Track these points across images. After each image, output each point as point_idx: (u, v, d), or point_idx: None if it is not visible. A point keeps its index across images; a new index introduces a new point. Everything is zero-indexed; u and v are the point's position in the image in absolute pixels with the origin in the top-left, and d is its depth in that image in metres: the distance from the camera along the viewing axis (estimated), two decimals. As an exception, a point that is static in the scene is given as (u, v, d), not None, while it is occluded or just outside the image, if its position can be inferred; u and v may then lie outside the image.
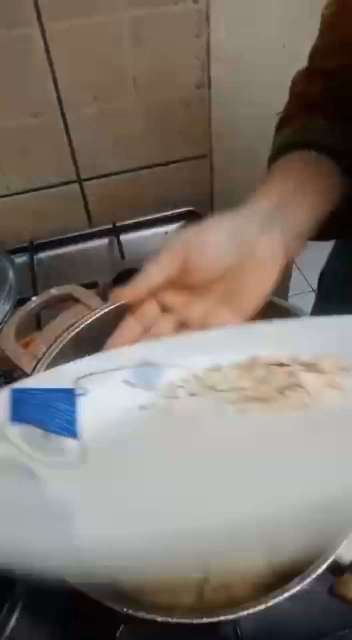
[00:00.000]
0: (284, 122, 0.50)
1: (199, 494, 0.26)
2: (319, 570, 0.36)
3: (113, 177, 0.95)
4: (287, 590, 0.35)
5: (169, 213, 0.95)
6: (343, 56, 0.47)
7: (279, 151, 0.46)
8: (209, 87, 0.89)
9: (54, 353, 0.51)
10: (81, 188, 0.95)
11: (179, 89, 0.87)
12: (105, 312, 0.53)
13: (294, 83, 0.52)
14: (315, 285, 0.81)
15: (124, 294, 0.38)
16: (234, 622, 0.45)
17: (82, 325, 0.53)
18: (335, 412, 0.31)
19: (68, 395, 0.33)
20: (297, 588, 0.36)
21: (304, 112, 0.48)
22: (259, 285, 0.40)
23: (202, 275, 0.39)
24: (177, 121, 0.91)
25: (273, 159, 0.46)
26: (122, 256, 0.88)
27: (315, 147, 0.44)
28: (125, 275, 0.81)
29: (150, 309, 0.39)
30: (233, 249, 0.38)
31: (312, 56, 0.54)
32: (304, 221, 0.41)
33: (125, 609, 0.36)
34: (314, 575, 0.36)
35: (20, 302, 0.73)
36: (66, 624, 0.46)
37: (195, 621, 0.36)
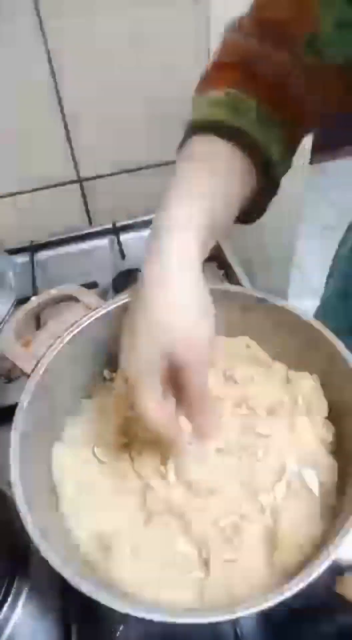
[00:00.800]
0: (206, 83, 0.49)
1: None
2: (319, 570, 0.36)
3: (113, 177, 0.95)
4: (287, 590, 0.35)
5: (169, 213, 0.95)
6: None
7: (198, 129, 0.47)
8: (209, 87, 0.89)
9: (54, 353, 0.51)
10: (81, 188, 0.95)
11: (179, 88, 0.87)
12: (105, 312, 0.53)
13: (229, 31, 0.49)
14: (315, 285, 0.81)
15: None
16: (234, 622, 0.45)
17: (82, 325, 0.53)
18: None
19: None
20: (297, 588, 0.36)
21: (232, 75, 0.46)
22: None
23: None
24: (177, 121, 0.91)
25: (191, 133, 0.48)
26: (122, 256, 0.89)
27: (241, 138, 0.44)
28: (125, 275, 0.81)
29: None
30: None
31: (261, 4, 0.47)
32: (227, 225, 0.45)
33: (125, 609, 0.36)
34: (314, 575, 0.36)
35: (20, 302, 0.73)
36: (66, 624, 0.47)
37: (195, 621, 0.36)
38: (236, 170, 0.45)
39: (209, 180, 0.43)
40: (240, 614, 0.35)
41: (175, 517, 0.45)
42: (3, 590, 0.49)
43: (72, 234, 0.94)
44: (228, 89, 0.46)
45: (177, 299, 0.40)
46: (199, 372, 0.41)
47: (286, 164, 0.49)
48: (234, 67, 0.47)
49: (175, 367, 0.39)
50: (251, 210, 0.51)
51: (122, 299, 0.53)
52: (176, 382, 0.41)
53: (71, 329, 0.53)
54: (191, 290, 0.41)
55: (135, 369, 0.40)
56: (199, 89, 0.50)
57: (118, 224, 0.93)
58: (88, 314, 0.53)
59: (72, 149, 0.89)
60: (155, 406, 0.40)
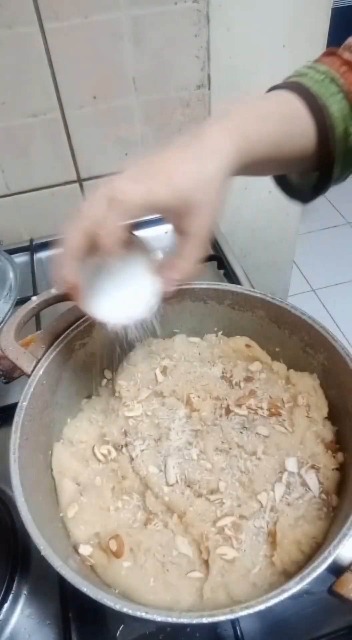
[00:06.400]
0: (329, 54, 0.51)
1: None
2: (319, 570, 0.36)
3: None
4: (287, 590, 0.35)
5: (169, 213, 0.95)
6: None
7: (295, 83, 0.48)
8: (209, 87, 0.89)
9: (54, 353, 0.51)
10: (81, 188, 0.95)
11: (179, 88, 0.87)
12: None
13: None
14: (315, 286, 0.81)
15: None
16: (234, 622, 0.45)
17: (82, 325, 0.53)
18: None
19: None
20: (297, 588, 0.35)
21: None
22: None
23: None
24: (177, 121, 0.91)
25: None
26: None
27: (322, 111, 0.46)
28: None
29: None
30: None
31: None
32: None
33: (125, 609, 0.36)
34: (314, 575, 0.36)
35: (20, 302, 0.73)
36: (66, 624, 0.47)
37: (195, 621, 0.36)
38: (293, 112, 0.47)
39: (257, 106, 0.46)
40: (240, 613, 0.35)
41: (175, 517, 0.45)
42: (3, 590, 0.49)
43: (72, 234, 0.94)
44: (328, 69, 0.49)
45: (187, 162, 0.40)
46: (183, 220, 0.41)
47: (349, 148, 0.49)
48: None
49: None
50: (309, 183, 0.53)
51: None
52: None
53: (71, 328, 0.53)
54: (209, 166, 0.41)
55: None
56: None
57: (118, 224, 0.93)
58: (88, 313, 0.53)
59: (72, 148, 0.89)
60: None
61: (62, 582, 0.46)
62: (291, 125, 0.46)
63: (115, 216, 0.39)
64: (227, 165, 0.41)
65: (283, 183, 0.57)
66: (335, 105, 0.47)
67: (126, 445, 0.50)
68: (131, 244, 0.45)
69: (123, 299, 0.46)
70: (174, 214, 0.41)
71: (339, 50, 0.50)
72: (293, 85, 0.48)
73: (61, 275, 0.41)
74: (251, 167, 0.45)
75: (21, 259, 0.90)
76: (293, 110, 0.47)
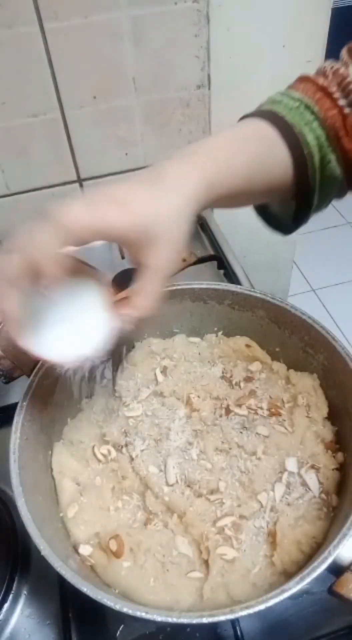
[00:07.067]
0: (303, 80, 0.50)
1: None
2: (319, 570, 0.36)
3: (113, 177, 0.95)
4: (287, 590, 0.35)
5: (169, 213, 0.95)
6: None
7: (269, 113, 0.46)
8: (209, 87, 0.89)
9: (54, 353, 0.51)
10: (81, 188, 0.95)
11: (179, 89, 0.87)
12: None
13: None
14: (315, 286, 0.81)
15: None
16: (234, 622, 0.45)
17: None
18: None
19: None
20: (297, 588, 0.35)
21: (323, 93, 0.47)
22: None
23: None
24: (177, 121, 0.91)
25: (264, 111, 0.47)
26: (122, 256, 0.88)
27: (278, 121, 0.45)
28: (125, 274, 0.81)
29: None
30: None
31: None
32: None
33: (125, 609, 0.36)
34: (314, 575, 0.36)
35: (20, 302, 0.73)
36: (66, 624, 0.47)
37: (195, 621, 0.36)
38: (265, 141, 0.45)
39: (228, 139, 0.44)
40: (240, 613, 0.35)
41: (175, 517, 0.45)
42: (3, 590, 0.49)
43: (72, 234, 0.94)
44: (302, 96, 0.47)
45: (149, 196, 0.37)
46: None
47: (326, 176, 0.48)
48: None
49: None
50: (287, 215, 0.51)
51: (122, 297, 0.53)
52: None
53: (71, 329, 0.53)
54: (172, 206, 0.37)
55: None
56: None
57: (118, 224, 0.93)
58: (88, 314, 0.53)
59: (72, 148, 0.89)
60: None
61: (62, 582, 0.46)
62: (264, 156, 0.44)
63: (57, 240, 0.35)
64: (191, 200, 0.38)
65: (265, 214, 0.55)
66: (311, 134, 0.45)
67: (126, 445, 0.50)
68: (80, 272, 0.40)
69: (69, 335, 0.40)
70: (130, 245, 0.38)
71: (313, 75, 0.49)
72: (266, 114, 0.46)
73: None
74: (221, 200, 0.42)
75: (21, 259, 0.90)
76: (266, 140, 0.45)
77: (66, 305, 0.40)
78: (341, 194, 0.52)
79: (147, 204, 0.36)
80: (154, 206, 0.37)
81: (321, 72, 0.49)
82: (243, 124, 0.47)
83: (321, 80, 0.48)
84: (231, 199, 0.44)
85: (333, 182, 0.49)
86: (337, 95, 0.47)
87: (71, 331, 0.40)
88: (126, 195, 0.36)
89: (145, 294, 0.39)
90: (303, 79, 0.50)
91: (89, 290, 0.41)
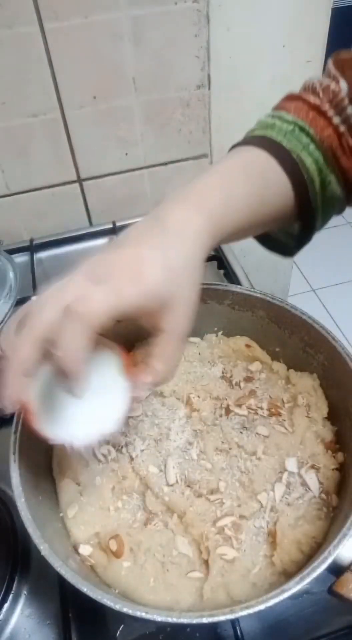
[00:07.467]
0: (293, 99, 0.48)
1: None
2: (319, 570, 0.36)
3: (113, 177, 0.95)
4: (287, 590, 0.35)
5: (169, 213, 0.95)
6: None
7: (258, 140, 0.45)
8: (209, 87, 0.89)
9: (54, 353, 0.51)
10: (81, 188, 0.95)
11: (179, 88, 0.87)
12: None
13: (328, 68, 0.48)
14: (315, 286, 0.81)
15: None
16: (234, 622, 0.45)
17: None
18: None
19: None
20: (297, 588, 0.35)
21: (314, 111, 0.46)
22: None
23: None
24: (177, 121, 0.91)
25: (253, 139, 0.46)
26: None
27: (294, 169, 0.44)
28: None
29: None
30: None
31: None
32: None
33: (125, 609, 0.36)
34: (314, 575, 0.36)
35: (20, 302, 0.73)
36: (66, 624, 0.47)
37: (195, 621, 0.36)
38: (264, 171, 0.43)
39: (229, 173, 0.42)
40: (240, 613, 0.35)
41: (175, 517, 0.45)
42: (3, 590, 0.49)
43: (72, 234, 0.94)
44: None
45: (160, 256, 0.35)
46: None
47: (327, 198, 0.47)
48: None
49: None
50: (291, 239, 0.51)
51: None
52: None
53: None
54: (180, 256, 0.36)
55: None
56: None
57: (118, 224, 0.93)
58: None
59: (72, 148, 0.89)
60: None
61: (62, 582, 0.45)
62: (265, 188, 0.43)
63: (76, 333, 0.32)
64: (199, 248, 0.37)
65: (266, 240, 0.54)
66: (309, 158, 0.44)
67: (126, 445, 0.50)
68: (95, 345, 0.36)
69: (87, 413, 0.38)
70: (145, 314, 0.36)
71: (302, 93, 0.48)
72: (262, 141, 0.44)
73: (8, 395, 0.33)
74: (226, 238, 0.41)
75: (21, 259, 0.90)
76: (266, 171, 0.43)
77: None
78: (340, 211, 0.51)
79: (155, 266, 0.35)
80: (165, 269, 0.35)
81: (310, 89, 0.47)
82: (239, 154, 0.45)
83: (312, 99, 0.46)
84: (235, 235, 0.43)
85: (334, 201, 0.48)
86: (330, 113, 0.45)
87: (91, 409, 0.38)
88: (136, 263, 0.34)
89: (165, 359, 0.37)
90: (292, 98, 0.49)
91: (104, 362, 0.39)
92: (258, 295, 0.55)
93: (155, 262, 0.35)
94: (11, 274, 0.78)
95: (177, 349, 0.37)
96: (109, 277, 0.33)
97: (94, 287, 0.33)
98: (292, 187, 0.44)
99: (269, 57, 0.89)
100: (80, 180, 0.94)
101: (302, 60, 0.90)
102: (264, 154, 0.43)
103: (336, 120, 0.45)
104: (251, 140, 0.45)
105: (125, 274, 0.34)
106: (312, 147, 0.45)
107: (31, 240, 0.92)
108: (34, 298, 0.34)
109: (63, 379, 0.33)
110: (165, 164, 0.96)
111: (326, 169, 0.45)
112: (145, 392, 0.38)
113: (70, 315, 0.32)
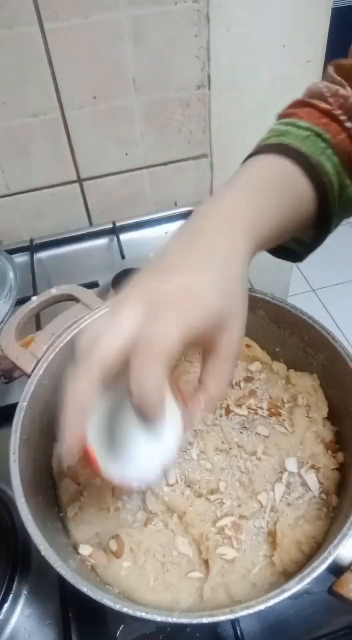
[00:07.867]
0: (301, 105, 0.48)
1: None
2: (319, 570, 0.36)
3: (113, 177, 0.95)
4: (287, 590, 0.35)
5: (169, 213, 0.95)
6: None
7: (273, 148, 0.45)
8: (209, 87, 0.89)
9: (54, 353, 0.51)
10: (81, 188, 0.95)
11: (179, 88, 0.87)
12: (105, 312, 0.53)
13: (329, 73, 0.48)
14: (315, 286, 0.81)
15: None
16: (234, 622, 0.45)
17: (82, 325, 0.53)
18: None
19: None
20: (297, 588, 0.35)
21: (322, 114, 0.46)
22: None
23: None
24: (177, 121, 0.91)
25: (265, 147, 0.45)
26: (122, 256, 0.88)
27: (314, 171, 0.44)
28: (125, 275, 0.81)
29: None
30: None
31: None
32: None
33: (125, 609, 0.36)
34: (314, 575, 0.36)
35: (20, 302, 0.73)
36: (66, 624, 0.47)
37: (195, 621, 0.36)
38: (288, 180, 0.43)
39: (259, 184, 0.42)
40: (240, 613, 0.35)
41: (175, 517, 0.45)
42: (3, 590, 0.49)
43: (72, 234, 0.94)
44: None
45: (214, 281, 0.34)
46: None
47: (343, 202, 0.47)
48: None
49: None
50: (304, 244, 0.51)
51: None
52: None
53: (71, 328, 0.53)
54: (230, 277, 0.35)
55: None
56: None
57: (118, 224, 0.93)
58: (88, 313, 0.53)
59: (72, 148, 0.89)
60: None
61: (62, 582, 0.46)
62: (291, 197, 0.43)
63: (155, 366, 0.30)
64: (246, 266, 0.37)
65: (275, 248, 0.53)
66: (328, 162, 0.44)
67: (126, 445, 0.50)
68: None
69: (150, 447, 0.35)
70: (202, 336, 0.34)
71: (311, 100, 0.48)
72: (279, 148, 0.44)
73: (68, 437, 0.31)
74: (260, 249, 0.42)
75: (21, 259, 0.90)
76: (289, 179, 0.43)
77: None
78: (351, 214, 0.51)
79: (216, 290, 0.34)
80: (223, 292, 0.34)
81: (317, 95, 0.48)
82: (260, 163, 0.44)
83: (322, 104, 0.46)
84: (266, 247, 0.43)
85: (349, 205, 0.48)
86: (343, 117, 0.46)
87: (152, 441, 0.35)
88: (196, 288, 0.34)
89: (219, 380, 0.36)
90: (300, 104, 0.49)
91: None
92: (258, 295, 0.55)
93: (213, 286, 0.34)
94: (11, 274, 0.78)
95: (232, 369, 0.37)
96: (171, 304, 0.32)
97: (159, 316, 0.31)
98: (314, 192, 0.44)
99: (269, 57, 0.89)
100: (80, 180, 0.94)
101: (302, 60, 0.90)
102: (285, 162, 0.43)
103: (349, 124, 0.46)
104: (268, 148, 0.45)
105: (188, 300, 0.33)
106: (329, 151, 0.45)
107: (31, 240, 0.92)
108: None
109: (141, 418, 0.31)
110: (165, 164, 0.96)
111: (343, 173, 0.46)
112: (197, 418, 0.36)
113: (148, 346, 0.30)
